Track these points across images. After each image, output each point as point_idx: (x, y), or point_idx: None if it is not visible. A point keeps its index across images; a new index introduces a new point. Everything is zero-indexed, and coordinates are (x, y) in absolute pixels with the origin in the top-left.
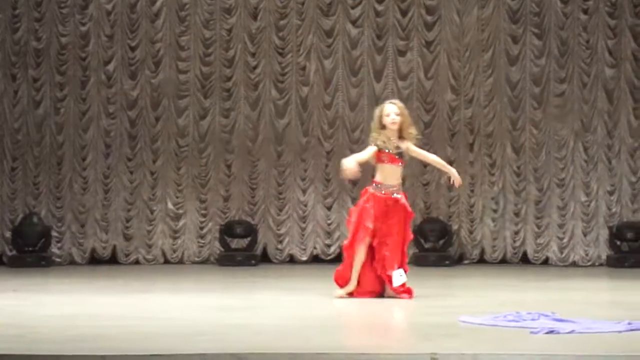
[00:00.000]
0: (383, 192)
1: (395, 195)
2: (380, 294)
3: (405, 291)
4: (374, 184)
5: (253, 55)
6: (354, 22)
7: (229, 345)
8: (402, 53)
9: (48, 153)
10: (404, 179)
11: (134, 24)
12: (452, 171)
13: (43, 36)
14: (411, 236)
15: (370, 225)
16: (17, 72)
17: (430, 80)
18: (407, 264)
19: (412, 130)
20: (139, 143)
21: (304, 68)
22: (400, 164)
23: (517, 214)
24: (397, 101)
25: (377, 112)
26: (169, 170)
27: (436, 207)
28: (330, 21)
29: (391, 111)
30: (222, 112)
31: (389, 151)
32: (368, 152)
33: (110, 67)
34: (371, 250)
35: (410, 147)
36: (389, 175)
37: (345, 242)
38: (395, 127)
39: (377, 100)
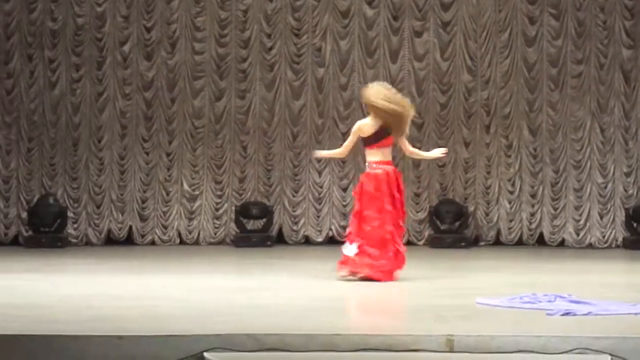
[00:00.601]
0: (375, 168)
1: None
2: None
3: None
4: (366, 165)
5: (269, 36)
6: (369, 3)
7: (244, 326)
8: (418, 34)
9: (64, 134)
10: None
11: (149, 4)
12: (433, 154)
13: (59, 17)
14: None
15: (388, 207)
16: (33, 52)
17: (447, 61)
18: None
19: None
20: (155, 124)
21: (319, 49)
22: (390, 145)
23: (533, 196)
24: (385, 83)
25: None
26: (184, 152)
27: (452, 189)
28: (346, 2)
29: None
30: (237, 93)
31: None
32: (348, 141)
33: (126, 48)
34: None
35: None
36: (381, 154)
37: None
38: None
39: (394, 82)
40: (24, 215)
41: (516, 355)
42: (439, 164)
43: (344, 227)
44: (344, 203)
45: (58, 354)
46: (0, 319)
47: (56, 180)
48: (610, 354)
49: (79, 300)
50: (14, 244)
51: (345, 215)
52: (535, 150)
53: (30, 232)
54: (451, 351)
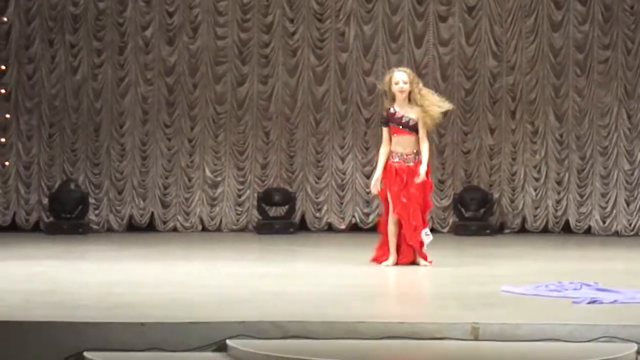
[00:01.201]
0: (396, 160)
1: (407, 164)
2: (414, 262)
3: (425, 256)
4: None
5: (291, 21)
6: None
7: (267, 313)
8: (443, 19)
9: (85, 119)
10: (443, 149)
11: None
12: (422, 168)
13: (80, 1)
14: (430, 205)
15: (389, 199)
16: (54, 37)
17: (472, 46)
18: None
19: (424, 98)
20: (177, 110)
21: (343, 34)
22: (409, 135)
23: (559, 183)
24: (406, 69)
25: (386, 79)
26: (206, 138)
27: (477, 176)
28: None
29: (400, 79)
30: (260, 78)
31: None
32: (383, 141)
33: (148, 32)
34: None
35: (421, 119)
36: (400, 144)
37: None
38: (404, 95)
39: (418, 67)
40: (45, 201)
41: (542, 343)
42: (464, 150)
43: (367, 214)
44: (367, 190)
45: (81, 341)
46: (23, 305)
47: (77, 166)
48: (637, 343)
49: (101, 287)
50: (35, 230)
51: (368, 203)
52: (561, 136)
53: (51, 219)
54: (476, 339)
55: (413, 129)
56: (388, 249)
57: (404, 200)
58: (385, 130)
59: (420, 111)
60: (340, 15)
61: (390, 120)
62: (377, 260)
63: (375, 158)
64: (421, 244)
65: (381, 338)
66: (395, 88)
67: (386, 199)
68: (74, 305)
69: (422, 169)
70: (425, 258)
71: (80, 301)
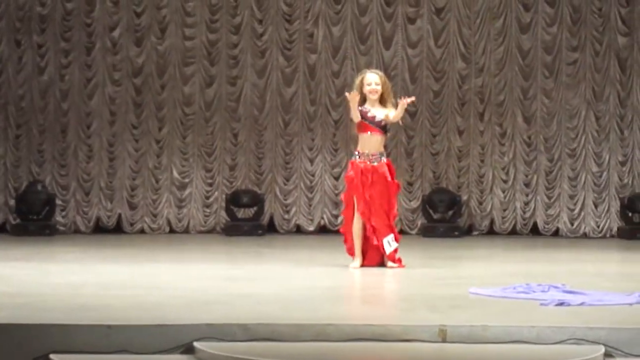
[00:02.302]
0: (360, 159)
1: (373, 164)
2: (381, 263)
3: (396, 260)
4: (354, 153)
5: (260, 22)
6: None
7: (235, 315)
8: (411, 20)
9: (52, 120)
10: (411, 151)
11: None
12: (400, 108)
13: (47, 1)
14: (395, 212)
15: (354, 198)
16: (21, 38)
17: (441, 48)
18: (397, 232)
19: (392, 100)
20: (145, 111)
21: (311, 35)
22: (377, 133)
23: (527, 185)
24: (377, 71)
25: (357, 80)
26: (174, 139)
27: (445, 178)
28: None
29: (372, 80)
30: (228, 80)
31: (365, 120)
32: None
33: (116, 33)
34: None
35: (389, 115)
36: (366, 143)
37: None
38: (375, 96)
39: (387, 69)
40: (12, 202)
41: (509, 345)
42: (432, 152)
43: (336, 216)
44: (336, 192)
45: (47, 343)
46: None
47: (44, 167)
48: (604, 345)
49: (68, 289)
50: (1, 231)
51: (336, 204)
52: (529, 138)
53: (17, 220)
54: (444, 341)
55: (383, 128)
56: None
57: (368, 199)
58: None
59: (386, 115)
60: (309, 16)
61: (362, 117)
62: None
63: (344, 160)
64: (396, 251)
65: (349, 340)
66: (367, 89)
67: (348, 201)
68: (41, 307)
69: (401, 108)
70: (395, 261)
71: (47, 303)
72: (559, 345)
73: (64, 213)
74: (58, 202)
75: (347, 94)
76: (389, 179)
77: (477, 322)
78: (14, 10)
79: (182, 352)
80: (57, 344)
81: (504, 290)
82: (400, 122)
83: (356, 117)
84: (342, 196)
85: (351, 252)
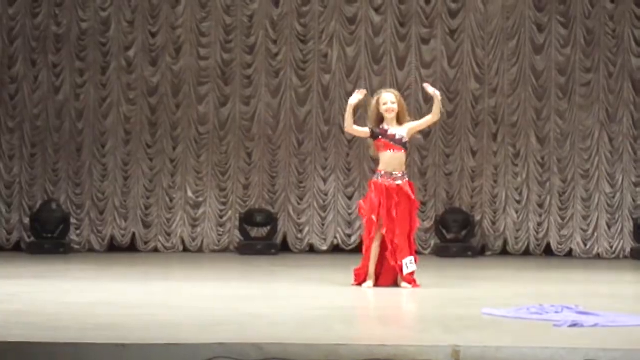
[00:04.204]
0: (381, 179)
1: (397, 182)
2: (395, 284)
3: (413, 281)
4: (376, 173)
5: (274, 42)
6: (377, 9)
7: (248, 334)
8: (425, 41)
9: (67, 139)
10: (425, 171)
11: (154, 9)
12: (437, 101)
13: (63, 21)
14: (417, 224)
15: (374, 217)
16: (37, 57)
17: (454, 68)
18: (415, 253)
19: (409, 119)
20: (159, 130)
21: (325, 55)
22: (399, 150)
23: (540, 205)
24: (393, 90)
25: (373, 101)
26: (189, 158)
27: (459, 198)
28: (353, 8)
29: (388, 99)
30: (242, 99)
31: (386, 139)
32: (361, 128)
33: (131, 53)
34: (384, 241)
35: (413, 126)
36: (389, 162)
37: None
38: (392, 115)
39: (401, 89)
40: (27, 221)
41: None
42: (446, 172)
43: (349, 236)
44: (349, 211)
45: None
46: (2, 325)
47: (59, 186)
48: None
49: (82, 308)
50: (16, 249)
51: (350, 224)
52: (542, 159)
53: (32, 238)
54: None
55: (404, 145)
56: (367, 271)
57: (395, 216)
58: (366, 130)
59: (408, 129)
60: (323, 37)
61: (382, 135)
62: (358, 282)
63: (358, 179)
64: (412, 273)
65: None
66: (383, 108)
67: (369, 219)
68: (55, 325)
69: (437, 102)
70: (410, 282)
71: (61, 322)
72: None
73: (78, 232)
74: (72, 220)
75: (357, 91)
76: (413, 197)
77: (490, 342)
78: (30, 30)
79: None
80: None
81: (517, 311)
82: (442, 108)
83: (349, 124)
84: (363, 220)
85: (357, 272)
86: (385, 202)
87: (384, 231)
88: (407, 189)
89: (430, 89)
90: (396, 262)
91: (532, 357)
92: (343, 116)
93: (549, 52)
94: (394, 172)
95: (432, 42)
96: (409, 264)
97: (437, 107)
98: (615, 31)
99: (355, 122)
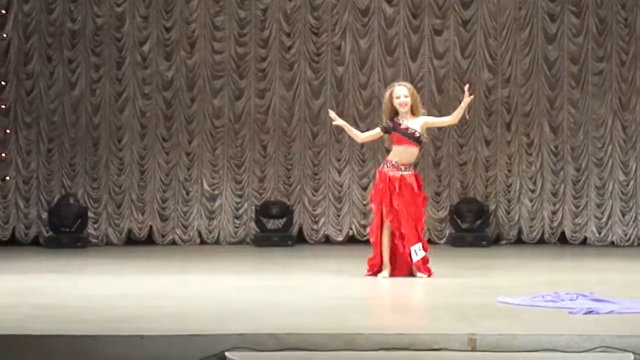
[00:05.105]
0: (386, 168)
1: (401, 173)
2: (411, 273)
3: (425, 269)
4: (384, 161)
5: (288, 35)
6: (389, 1)
7: (266, 325)
8: (438, 32)
9: (84, 134)
10: (439, 161)
11: (169, 4)
12: (463, 107)
13: (78, 17)
14: (423, 225)
15: (383, 207)
16: (52, 53)
17: (467, 59)
18: (426, 242)
19: (422, 110)
20: (175, 124)
21: (339, 48)
22: (411, 145)
23: (554, 194)
24: (406, 83)
25: (386, 95)
26: (204, 151)
27: (473, 187)
28: (366, 0)
29: (401, 93)
30: (257, 92)
31: (399, 133)
32: (372, 132)
33: (146, 48)
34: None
35: (428, 121)
36: (400, 155)
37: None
38: (406, 108)
39: (414, 80)
40: (44, 215)
41: (539, 354)
42: (460, 162)
43: (364, 226)
44: (364, 202)
45: (80, 354)
46: (22, 319)
47: (76, 180)
48: (633, 353)
49: (101, 300)
50: (35, 244)
51: (365, 214)
52: (556, 148)
53: (50, 233)
54: (473, 350)
55: (416, 140)
56: (381, 261)
57: (396, 207)
58: (378, 130)
59: (422, 122)
60: (337, 29)
61: (395, 129)
62: (372, 272)
63: (372, 170)
64: (425, 260)
65: (379, 349)
66: (396, 102)
67: (378, 210)
68: (74, 319)
69: (464, 106)
70: (424, 271)
71: (80, 315)
72: (589, 354)
73: (96, 225)
74: (90, 214)
75: (330, 113)
76: (416, 189)
77: (506, 330)
78: (46, 26)
79: None
80: (91, 355)
81: (532, 299)
82: (467, 116)
83: (358, 137)
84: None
85: (371, 262)
86: (387, 191)
87: (389, 220)
88: (412, 180)
89: (467, 94)
90: (407, 249)
91: (548, 344)
92: (357, 108)
93: (562, 42)
94: (401, 164)
95: (445, 32)
96: (417, 251)
97: (459, 113)
98: (627, 20)
99: (366, 116)
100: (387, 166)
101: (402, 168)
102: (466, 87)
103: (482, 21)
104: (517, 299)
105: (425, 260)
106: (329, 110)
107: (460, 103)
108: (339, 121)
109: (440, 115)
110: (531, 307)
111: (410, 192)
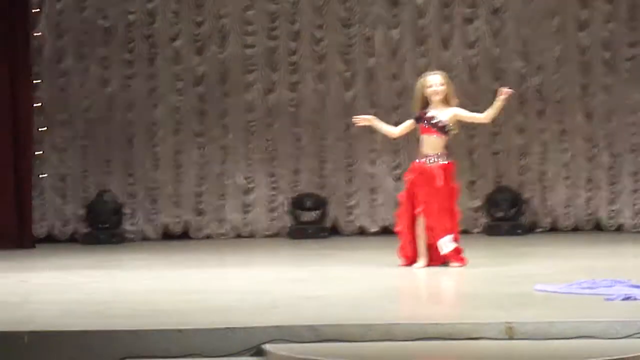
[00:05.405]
0: (419, 160)
1: (429, 164)
2: (445, 263)
3: (458, 258)
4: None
5: (319, 27)
6: None
7: (303, 317)
8: (469, 21)
9: (118, 131)
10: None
11: None
12: (499, 104)
13: (110, 14)
14: (457, 216)
15: (412, 197)
16: (85, 51)
17: (499, 47)
18: (458, 234)
19: (456, 100)
20: (208, 119)
21: (370, 39)
22: (437, 135)
23: (589, 181)
24: (439, 71)
25: (418, 84)
26: (238, 145)
27: (507, 176)
28: None
29: (434, 82)
30: (289, 86)
31: (424, 122)
32: (405, 124)
33: (177, 43)
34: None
35: (458, 113)
36: (426, 145)
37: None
38: (439, 97)
39: (445, 70)
40: (81, 212)
41: (576, 341)
42: (493, 151)
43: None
44: (398, 193)
45: (118, 349)
46: (60, 315)
47: (112, 176)
48: None
49: (138, 295)
50: (72, 241)
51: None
52: (590, 134)
53: (87, 229)
54: (511, 338)
55: (441, 130)
56: (410, 250)
57: (423, 198)
58: (412, 121)
59: (452, 114)
60: (367, 20)
61: (422, 120)
62: (408, 262)
63: (406, 161)
64: (457, 250)
65: (416, 339)
66: (429, 91)
67: (406, 201)
68: (112, 313)
69: (499, 104)
70: (457, 260)
71: (118, 310)
72: (627, 340)
73: (132, 221)
74: (126, 210)
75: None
76: (440, 182)
77: (543, 318)
78: (78, 24)
79: (252, 355)
80: (129, 349)
81: (569, 287)
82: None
83: (392, 132)
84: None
85: (402, 252)
86: (417, 182)
87: (417, 210)
88: (440, 171)
89: (505, 94)
90: (435, 242)
91: (585, 331)
92: (389, 99)
93: (593, 28)
94: (428, 155)
95: (476, 21)
96: (447, 244)
97: (494, 112)
98: None
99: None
100: (419, 158)
101: (429, 160)
102: (504, 90)
103: (513, 9)
104: (553, 286)
105: (457, 250)
106: (353, 118)
107: (494, 96)
108: (366, 121)
109: (473, 107)
110: (568, 294)
111: (439, 182)
